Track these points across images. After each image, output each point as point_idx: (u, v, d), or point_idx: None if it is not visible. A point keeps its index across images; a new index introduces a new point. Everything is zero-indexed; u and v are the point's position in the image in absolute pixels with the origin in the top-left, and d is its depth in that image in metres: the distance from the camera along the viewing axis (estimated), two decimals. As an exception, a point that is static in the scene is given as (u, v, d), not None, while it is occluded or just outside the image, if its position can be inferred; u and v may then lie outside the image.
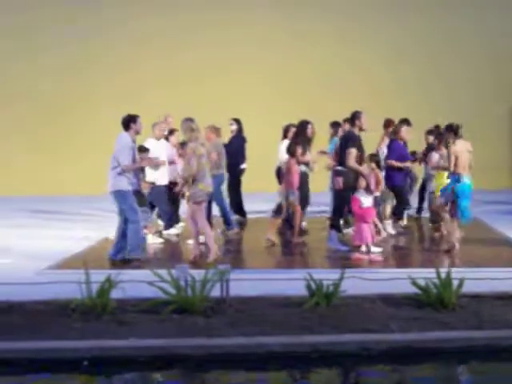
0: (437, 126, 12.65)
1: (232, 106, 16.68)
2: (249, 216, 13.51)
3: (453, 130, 9.93)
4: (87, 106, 18.21)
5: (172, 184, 11.36)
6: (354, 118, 10.49)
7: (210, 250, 9.58)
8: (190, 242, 10.46)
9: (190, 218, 9.73)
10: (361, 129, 10.43)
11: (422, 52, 18.66)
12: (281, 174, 12.16)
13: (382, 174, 11.11)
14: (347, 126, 11.44)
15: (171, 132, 12.16)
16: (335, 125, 12.64)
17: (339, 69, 18.41)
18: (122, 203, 9.44)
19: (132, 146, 9.51)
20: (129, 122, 9.47)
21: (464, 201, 9.71)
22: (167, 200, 11.69)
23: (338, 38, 18.56)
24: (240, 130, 13.18)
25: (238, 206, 13.32)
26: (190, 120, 9.63)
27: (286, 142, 12.27)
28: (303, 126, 11.63)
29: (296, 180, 10.69)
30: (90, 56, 18.40)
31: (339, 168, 10.48)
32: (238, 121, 13.19)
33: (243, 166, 13.24)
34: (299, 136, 11.54)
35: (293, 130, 12.17)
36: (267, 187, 13.75)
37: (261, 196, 14.55)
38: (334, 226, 10.54)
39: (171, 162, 11.69)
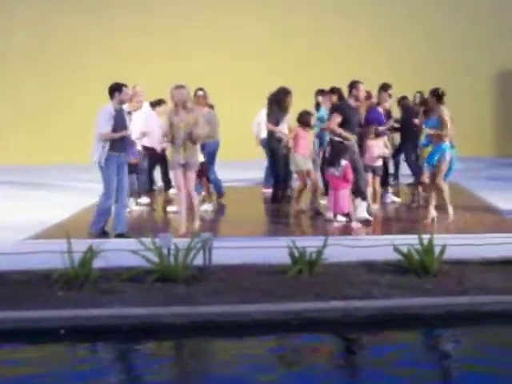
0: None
1: (215, 77, 16.57)
2: (229, 184, 13.35)
3: (438, 96, 9.82)
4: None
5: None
6: (351, 87, 10.00)
7: (194, 218, 9.38)
8: (173, 209, 10.49)
9: (184, 188, 9.32)
10: (357, 99, 10.01)
11: (410, 20, 18.58)
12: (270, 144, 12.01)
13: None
14: (334, 97, 11.27)
15: (159, 103, 11.94)
16: (323, 92, 12.40)
17: (329, 38, 18.31)
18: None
19: (113, 115, 9.01)
20: (113, 90, 9.07)
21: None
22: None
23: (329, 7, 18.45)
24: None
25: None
26: (185, 86, 9.19)
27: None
28: (285, 94, 11.14)
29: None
30: (87, 22, 18.21)
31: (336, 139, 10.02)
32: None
33: None
34: (278, 104, 11.13)
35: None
36: (246, 156, 13.64)
37: (241, 165, 14.50)
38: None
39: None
